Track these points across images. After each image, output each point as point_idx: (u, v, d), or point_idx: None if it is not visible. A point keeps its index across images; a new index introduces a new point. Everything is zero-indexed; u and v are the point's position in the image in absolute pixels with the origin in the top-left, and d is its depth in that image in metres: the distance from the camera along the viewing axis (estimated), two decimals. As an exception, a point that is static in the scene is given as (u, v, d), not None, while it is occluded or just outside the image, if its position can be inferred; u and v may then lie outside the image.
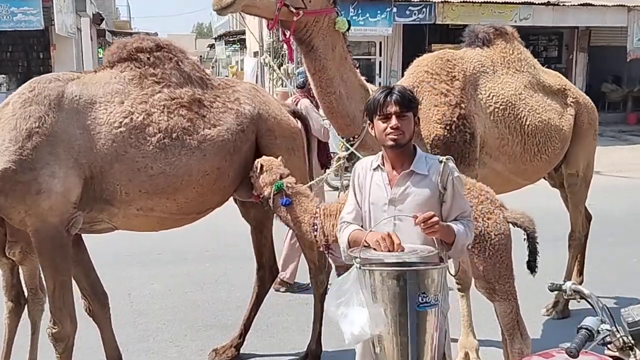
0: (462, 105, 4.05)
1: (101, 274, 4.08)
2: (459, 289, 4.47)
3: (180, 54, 4.01)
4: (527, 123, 4.35)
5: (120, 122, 3.60)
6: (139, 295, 5.90)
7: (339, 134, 3.90)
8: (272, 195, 3.62)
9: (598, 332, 2.47)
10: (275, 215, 3.76)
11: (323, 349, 4.58)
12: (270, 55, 17.15)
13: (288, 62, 15.18)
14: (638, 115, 20.65)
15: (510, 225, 3.41)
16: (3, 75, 18.67)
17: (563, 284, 2.89)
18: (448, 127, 3.97)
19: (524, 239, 3.47)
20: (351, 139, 3.83)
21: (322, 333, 4.55)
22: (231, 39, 31.23)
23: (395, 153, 2.75)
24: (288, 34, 3.52)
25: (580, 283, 5.79)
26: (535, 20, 17.48)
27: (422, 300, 2.35)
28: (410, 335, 2.36)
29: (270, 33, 17.75)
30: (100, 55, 28.57)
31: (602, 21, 18.21)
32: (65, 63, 17.34)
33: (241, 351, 4.67)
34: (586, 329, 2.45)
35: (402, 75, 4.32)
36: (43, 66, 19.80)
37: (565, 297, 2.88)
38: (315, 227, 3.57)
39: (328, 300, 2.65)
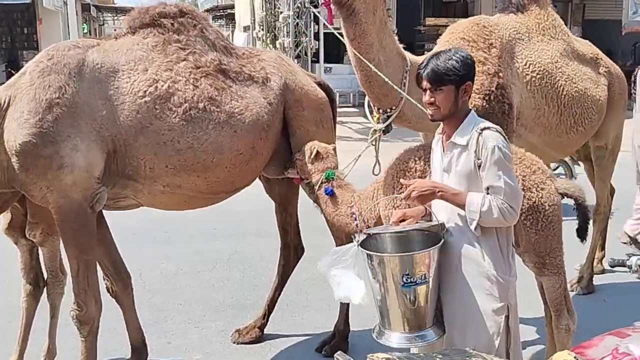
0: (500, 74, 3.86)
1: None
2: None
3: (204, 21, 3.80)
4: (564, 93, 4.18)
5: (145, 92, 3.38)
6: (150, 275, 5.70)
7: (375, 105, 3.70)
8: (320, 183, 3.61)
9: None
10: (315, 201, 3.71)
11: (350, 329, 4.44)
12: (263, 30, 16.81)
13: (284, 37, 14.87)
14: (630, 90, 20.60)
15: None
16: (-13, 51, 18.16)
17: (627, 260, 2.78)
18: (487, 98, 3.79)
19: (574, 209, 3.36)
20: (388, 110, 3.64)
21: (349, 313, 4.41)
22: (219, 14, 30.66)
23: (445, 123, 2.72)
24: None
25: (602, 258, 5.70)
26: (530, -7, 17.22)
27: (407, 280, 2.55)
28: (404, 307, 2.62)
29: (262, 6, 17.39)
30: (85, 31, 27.92)
31: (597, -6, 18.09)
32: (52, 38, 16.85)
33: (264, 331, 4.52)
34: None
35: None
36: (28, 41, 19.35)
37: (631, 272, 2.77)
38: (354, 215, 3.44)
39: (322, 261, 2.82)
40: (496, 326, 2.68)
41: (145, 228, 6.71)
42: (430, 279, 2.61)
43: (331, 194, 3.59)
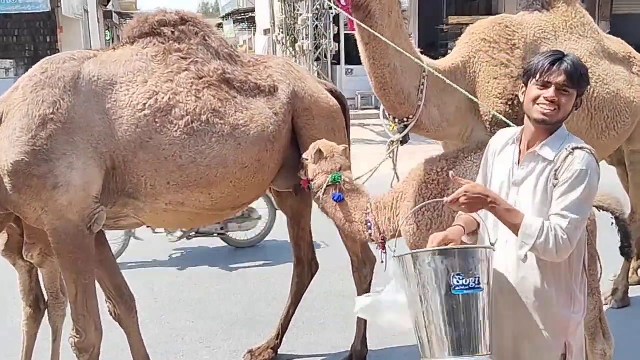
0: (526, 77, 3.59)
1: (120, 267, 3.73)
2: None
3: (206, 29, 3.61)
4: (595, 95, 3.88)
5: (144, 104, 3.19)
6: (163, 289, 5.54)
7: (390, 114, 3.46)
8: (324, 186, 3.25)
9: None
10: (320, 207, 3.37)
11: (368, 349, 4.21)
12: (282, 32, 16.64)
13: (303, 40, 14.68)
14: (662, 86, 19.98)
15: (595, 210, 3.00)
16: (10, 60, 18.31)
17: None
18: (510, 103, 3.52)
19: (612, 223, 3.08)
20: (405, 119, 3.39)
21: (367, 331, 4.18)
22: (240, 18, 30.65)
23: (538, 130, 2.32)
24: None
25: (638, 268, 5.37)
26: (556, -12, 16.76)
27: (458, 282, 2.12)
28: (453, 322, 2.14)
29: (282, 9, 17.23)
30: (107, 38, 28.12)
31: (625, -12, 17.56)
32: (73, 46, 16.95)
33: (278, 352, 4.31)
34: None
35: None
36: (50, 50, 19.44)
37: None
38: (369, 224, 3.18)
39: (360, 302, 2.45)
40: None
41: (160, 238, 6.54)
42: (486, 289, 2.18)
43: (340, 200, 3.25)
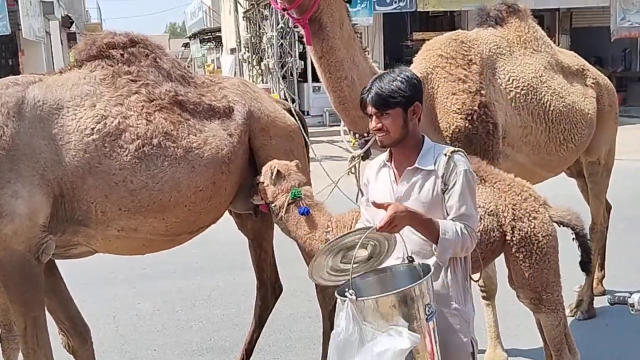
0: (482, 92, 3.61)
1: (82, 295, 3.61)
2: (483, 297, 4.04)
3: (157, 50, 3.53)
4: (551, 109, 3.92)
5: (92, 129, 3.10)
6: (124, 317, 5.38)
7: (350, 129, 3.44)
8: (285, 205, 3.19)
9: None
10: (281, 227, 3.31)
11: (335, 371, 4.12)
12: (248, 51, 16.63)
13: (268, 58, 14.67)
14: (622, 96, 20.43)
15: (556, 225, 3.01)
16: (-30, 85, 17.91)
17: (629, 297, 2.49)
18: (469, 118, 3.53)
19: (573, 239, 3.09)
20: (365, 135, 3.37)
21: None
22: (206, 37, 30.62)
23: (396, 150, 2.54)
24: (301, 14, 3.03)
25: (602, 278, 5.40)
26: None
27: (429, 311, 2.27)
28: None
29: (247, 28, 17.25)
30: (72, 60, 27.79)
31: (584, 2, 17.93)
32: (36, 69, 16.64)
33: (243, 377, 4.19)
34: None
35: (385, 67, 3.85)
36: (12, 73, 18.98)
37: (633, 312, 2.47)
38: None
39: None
40: None
41: (123, 264, 6.36)
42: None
43: (306, 213, 3.21)
